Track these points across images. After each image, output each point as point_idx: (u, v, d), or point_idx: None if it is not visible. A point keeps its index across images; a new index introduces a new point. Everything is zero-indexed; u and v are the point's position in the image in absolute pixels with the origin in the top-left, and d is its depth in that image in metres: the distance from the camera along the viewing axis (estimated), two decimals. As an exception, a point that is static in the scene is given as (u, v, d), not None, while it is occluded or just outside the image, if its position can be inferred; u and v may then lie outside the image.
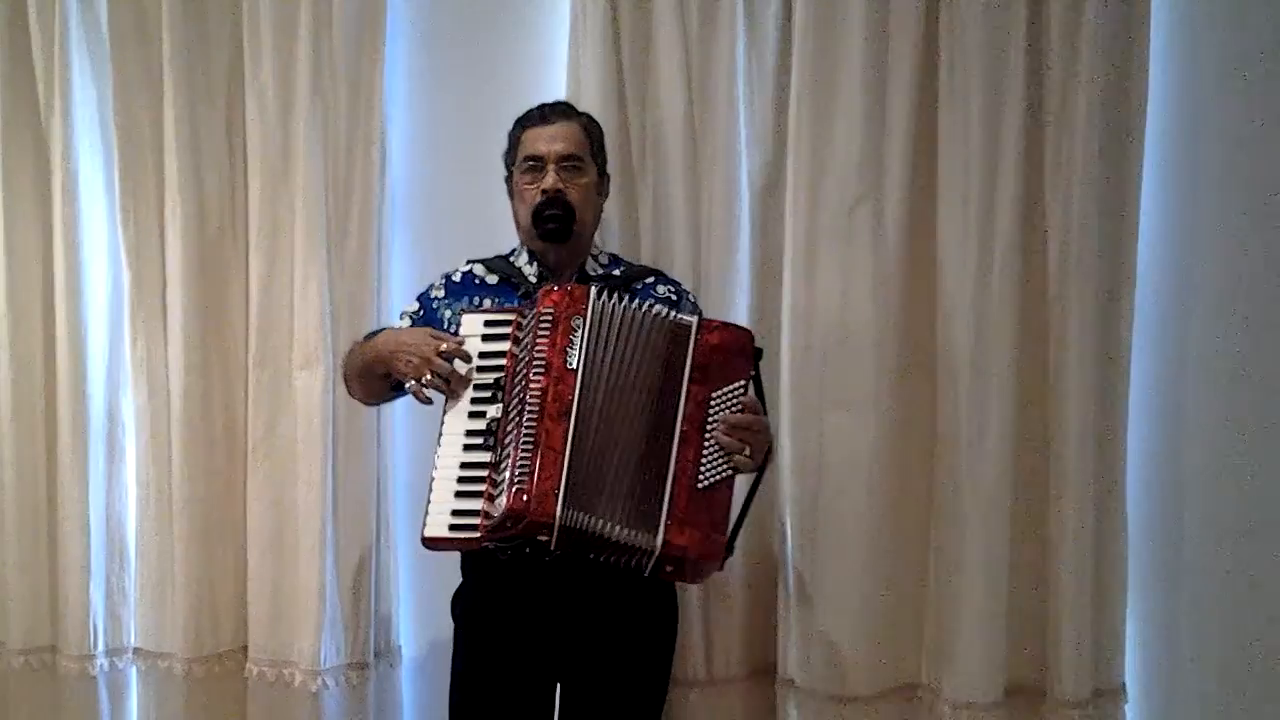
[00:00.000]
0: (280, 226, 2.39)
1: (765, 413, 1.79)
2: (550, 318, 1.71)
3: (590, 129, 1.95)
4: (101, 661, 2.49)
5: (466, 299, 1.92)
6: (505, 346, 1.74)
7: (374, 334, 1.96)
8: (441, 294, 1.95)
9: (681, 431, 1.70)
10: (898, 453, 2.19)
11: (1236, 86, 2.15)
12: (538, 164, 1.88)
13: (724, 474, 1.71)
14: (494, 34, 2.39)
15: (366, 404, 2.10)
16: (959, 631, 2.14)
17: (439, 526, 1.68)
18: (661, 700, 1.94)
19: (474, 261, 1.98)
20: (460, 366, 1.74)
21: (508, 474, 1.65)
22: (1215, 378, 2.18)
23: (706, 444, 1.71)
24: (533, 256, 1.94)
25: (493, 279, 1.94)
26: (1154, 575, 2.22)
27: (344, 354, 2.05)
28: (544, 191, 1.85)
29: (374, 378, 1.89)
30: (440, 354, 1.73)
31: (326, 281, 2.34)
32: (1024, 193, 2.12)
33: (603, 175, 1.97)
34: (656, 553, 1.66)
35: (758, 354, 1.80)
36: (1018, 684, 2.17)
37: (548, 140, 1.88)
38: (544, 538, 1.65)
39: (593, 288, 1.76)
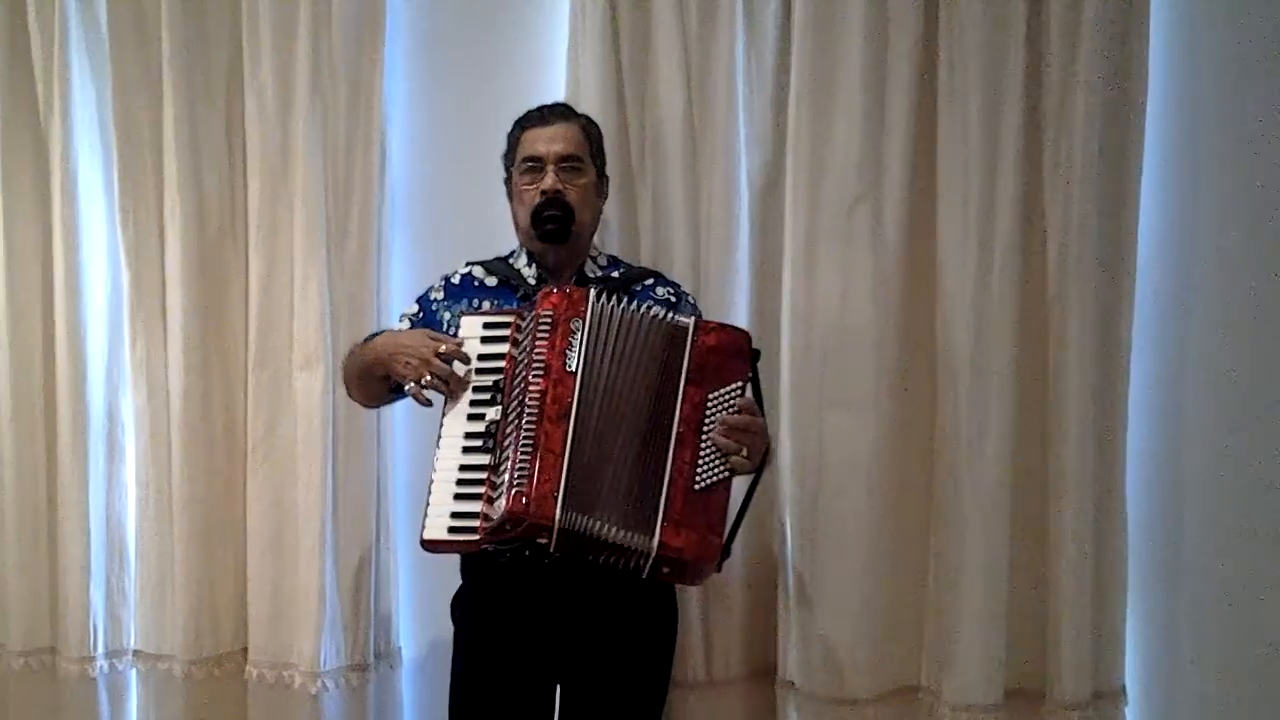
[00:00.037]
0: (280, 226, 2.38)
1: (763, 414, 1.79)
2: (549, 320, 1.71)
3: (589, 130, 1.95)
4: (101, 663, 2.49)
5: (465, 301, 1.92)
6: (504, 349, 1.74)
7: (373, 337, 1.96)
8: (441, 296, 1.95)
9: (678, 433, 1.70)
10: (898, 453, 2.19)
11: (1236, 86, 2.15)
12: (537, 165, 1.88)
13: (720, 475, 1.71)
14: (494, 34, 2.39)
15: (366, 407, 2.10)
16: (959, 633, 2.14)
17: (438, 529, 1.68)
18: (661, 702, 1.94)
19: (473, 263, 1.97)
20: (459, 368, 1.74)
21: (507, 476, 1.65)
22: (1215, 378, 2.18)
23: (703, 445, 1.70)
24: (532, 258, 1.94)
25: (492, 281, 1.94)
26: (1154, 575, 2.21)
27: (343, 356, 2.05)
28: (543, 192, 1.85)
29: (373, 380, 1.89)
30: (439, 356, 1.73)
31: (326, 282, 2.34)
32: (1023, 193, 2.11)
33: (602, 176, 1.97)
34: (653, 554, 1.66)
35: (755, 355, 1.80)
36: (1017, 685, 2.17)
37: (547, 141, 1.88)
38: (543, 540, 1.64)
39: (592, 290, 1.76)
